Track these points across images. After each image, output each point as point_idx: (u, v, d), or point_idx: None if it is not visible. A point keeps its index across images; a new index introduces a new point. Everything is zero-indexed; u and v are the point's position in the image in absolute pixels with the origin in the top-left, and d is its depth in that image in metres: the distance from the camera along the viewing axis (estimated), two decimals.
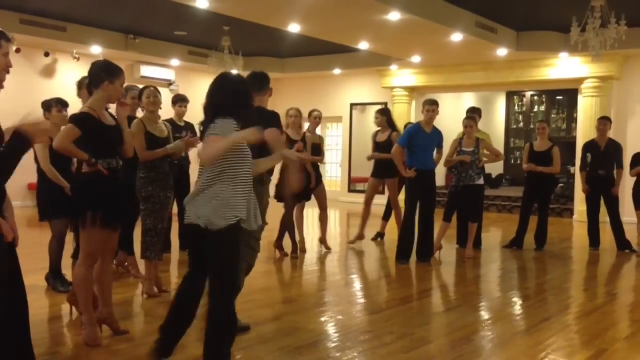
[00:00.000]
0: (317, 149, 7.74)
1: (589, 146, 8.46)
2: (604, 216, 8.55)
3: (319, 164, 7.90)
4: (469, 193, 7.62)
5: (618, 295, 6.14)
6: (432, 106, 7.29)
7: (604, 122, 8.41)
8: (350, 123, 15.56)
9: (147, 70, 13.55)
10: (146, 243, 5.13)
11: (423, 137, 7.24)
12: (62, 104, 5.33)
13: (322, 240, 8.14)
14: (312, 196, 7.76)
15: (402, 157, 7.34)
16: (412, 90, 14.30)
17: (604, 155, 8.24)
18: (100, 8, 10.33)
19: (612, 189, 8.16)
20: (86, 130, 3.85)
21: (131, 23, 11.52)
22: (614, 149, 8.29)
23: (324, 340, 4.36)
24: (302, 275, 7.02)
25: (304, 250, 7.82)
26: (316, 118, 7.84)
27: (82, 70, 11.83)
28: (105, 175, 3.90)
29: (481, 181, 7.67)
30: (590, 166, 8.30)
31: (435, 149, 7.42)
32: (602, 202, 8.40)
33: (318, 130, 8.06)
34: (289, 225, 7.52)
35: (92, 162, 3.88)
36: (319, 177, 7.81)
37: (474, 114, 8.45)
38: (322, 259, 7.79)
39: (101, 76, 3.96)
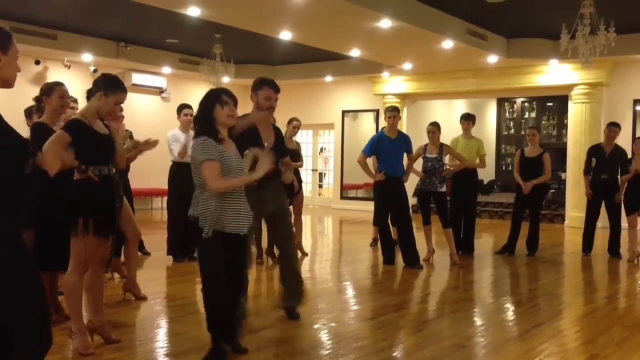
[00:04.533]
0: (296, 155, 7.86)
1: (594, 151, 8.46)
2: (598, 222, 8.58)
3: (298, 169, 8.01)
4: (433, 199, 7.72)
5: (610, 301, 6.15)
6: (392, 112, 7.49)
7: (613, 129, 8.33)
8: (342, 130, 15.58)
9: (138, 78, 13.53)
10: None
11: (387, 143, 7.43)
12: (42, 110, 5.30)
13: (298, 246, 8.18)
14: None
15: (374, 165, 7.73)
16: (403, 97, 14.35)
17: (609, 160, 8.20)
18: (91, 16, 10.31)
19: (616, 196, 8.15)
20: (76, 137, 3.84)
21: (122, 31, 11.50)
22: (618, 155, 8.24)
23: (317, 347, 4.34)
24: None
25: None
26: (295, 128, 7.90)
27: (73, 78, 11.83)
28: (96, 182, 3.89)
29: (443, 189, 7.74)
30: (593, 171, 8.31)
31: (406, 155, 7.56)
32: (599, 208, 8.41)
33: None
34: (256, 231, 7.57)
35: (82, 169, 3.86)
36: (299, 183, 7.90)
37: (468, 120, 8.49)
38: (314, 266, 7.79)
39: (99, 86, 3.97)
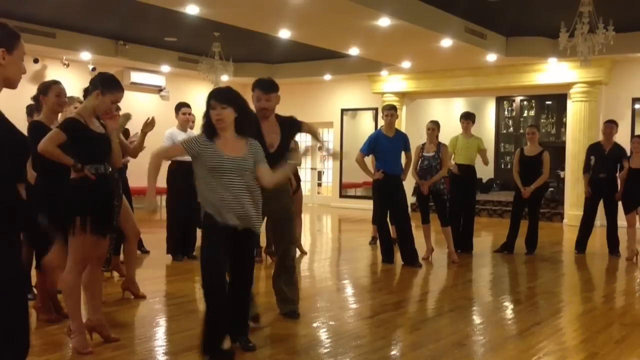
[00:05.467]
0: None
1: (593, 149, 8.47)
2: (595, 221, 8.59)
3: (297, 168, 8.00)
4: (432, 197, 7.72)
5: (609, 299, 6.16)
6: (390, 111, 7.50)
7: (610, 125, 8.36)
8: (342, 129, 15.57)
9: (137, 77, 13.52)
10: None
11: (385, 141, 7.43)
12: (41, 109, 5.29)
13: (297, 245, 8.20)
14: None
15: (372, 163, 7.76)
16: (402, 96, 14.35)
17: (608, 158, 8.21)
18: (90, 14, 10.30)
19: (615, 194, 8.11)
20: (72, 136, 3.85)
21: (121, 29, 11.49)
22: (617, 153, 8.25)
23: (316, 346, 4.34)
24: None
25: None
26: None
27: (72, 76, 11.81)
28: (93, 181, 3.89)
29: (441, 186, 7.73)
30: (592, 169, 8.31)
31: (404, 153, 7.55)
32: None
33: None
34: None
35: (78, 167, 3.87)
36: (297, 182, 7.91)
37: (468, 119, 8.48)
38: (313, 265, 7.79)
39: (96, 84, 3.98)
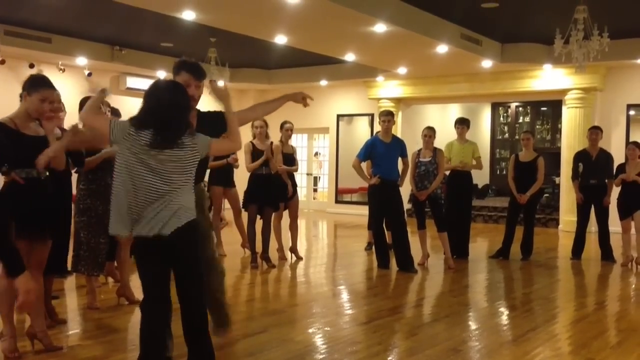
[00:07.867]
0: (291, 159, 7.86)
1: (580, 156, 8.51)
2: (589, 226, 8.61)
3: (293, 173, 8.02)
4: (428, 203, 7.71)
5: (604, 305, 6.17)
6: (387, 117, 7.54)
7: (595, 131, 8.45)
8: (337, 134, 15.59)
9: (133, 82, 13.50)
10: (77, 257, 5.09)
11: (382, 147, 7.46)
12: None
13: (293, 250, 8.22)
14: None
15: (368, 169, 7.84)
16: (398, 102, 14.37)
17: (596, 164, 8.26)
18: (86, 19, 10.29)
19: (604, 199, 8.19)
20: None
21: (117, 34, 11.48)
22: (605, 159, 8.31)
23: (311, 352, 4.34)
24: (289, 286, 7.01)
25: (284, 259, 8.05)
26: (288, 130, 7.91)
27: (67, 82, 11.79)
28: (22, 185, 3.80)
29: (438, 191, 7.72)
30: (581, 176, 8.35)
31: (400, 159, 7.58)
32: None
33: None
34: (250, 234, 7.60)
35: (3, 171, 3.81)
36: (294, 187, 7.91)
37: (463, 124, 8.50)
38: (309, 270, 7.79)
39: (25, 87, 3.95)
